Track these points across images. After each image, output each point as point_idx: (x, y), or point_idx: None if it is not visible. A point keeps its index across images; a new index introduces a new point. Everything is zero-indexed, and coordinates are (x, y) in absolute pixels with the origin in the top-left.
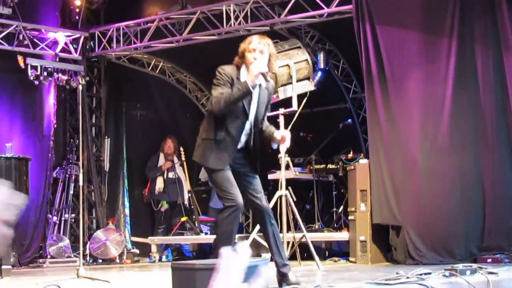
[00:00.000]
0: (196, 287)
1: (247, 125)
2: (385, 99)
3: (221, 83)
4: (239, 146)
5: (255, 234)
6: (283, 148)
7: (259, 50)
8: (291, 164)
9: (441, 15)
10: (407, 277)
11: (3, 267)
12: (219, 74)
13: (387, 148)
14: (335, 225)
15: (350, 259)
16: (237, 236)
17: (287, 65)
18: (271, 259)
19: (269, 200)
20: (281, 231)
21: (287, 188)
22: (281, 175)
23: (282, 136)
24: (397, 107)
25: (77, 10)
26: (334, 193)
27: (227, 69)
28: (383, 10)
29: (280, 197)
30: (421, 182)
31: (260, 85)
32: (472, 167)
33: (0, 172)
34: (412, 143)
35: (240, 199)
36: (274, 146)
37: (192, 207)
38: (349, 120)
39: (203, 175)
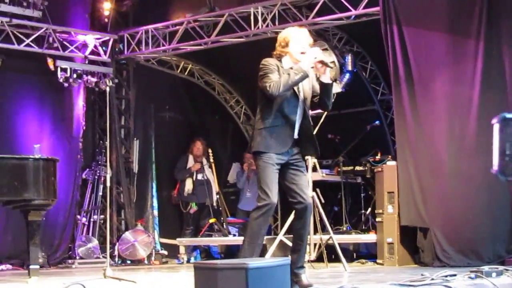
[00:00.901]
0: (218, 287)
1: (299, 108)
2: (412, 101)
3: (270, 71)
4: (295, 134)
5: (282, 236)
6: (327, 76)
7: (305, 41)
8: (318, 166)
9: (468, 16)
10: (432, 279)
11: (31, 267)
12: (265, 65)
13: (414, 150)
14: (363, 227)
15: (378, 261)
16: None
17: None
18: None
19: None
20: (308, 233)
21: (314, 190)
22: (308, 177)
23: (315, 63)
24: (424, 109)
25: (106, 13)
26: (362, 195)
27: (270, 61)
28: (410, 12)
29: None
30: (448, 184)
31: (291, 68)
32: None
33: (28, 173)
34: (439, 145)
35: (275, 199)
36: (326, 79)
37: (221, 208)
38: (377, 122)
39: (231, 177)
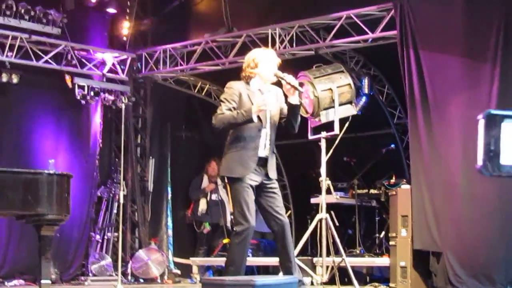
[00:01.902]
0: None
1: (263, 131)
2: (427, 124)
3: (228, 99)
4: (263, 154)
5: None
6: (296, 98)
7: (274, 62)
8: (332, 188)
9: (484, 40)
10: None
11: (42, 281)
12: (227, 90)
13: (429, 173)
14: (376, 251)
15: (391, 285)
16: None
17: (330, 88)
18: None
19: (309, 223)
20: (320, 255)
21: (328, 212)
22: (322, 198)
23: (284, 86)
24: (439, 132)
25: (125, 31)
26: (376, 218)
27: (234, 85)
28: (426, 35)
29: (320, 220)
30: (462, 208)
31: (259, 90)
32: None
33: (41, 188)
34: (453, 168)
35: (253, 222)
36: (294, 101)
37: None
38: (392, 145)
39: None
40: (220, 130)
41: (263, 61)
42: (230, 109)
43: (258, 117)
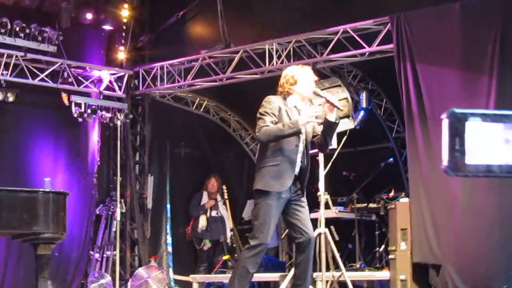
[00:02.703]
0: None
1: (301, 146)
2: (426, 137)
3: (269, 111)
4: (296, 171)
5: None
6: (334, 115)
7: (313, 80)
8: (330, 203)
9: (481, 53)
10: None
11: None
12: (267, 104)
13: (428, 186)
14: (377, 264)
15: None
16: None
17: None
18: None
19: None
20: (320, 270)
21: (328, 227)
22: (320, 213)
23: (324, 103)
24: (437, 145)
25: (122, 48)
26: (376, 232)
27: (273, 99)
28: (423, 49)
29: (319, 234)
30: (462, 220)
31: (295, 106)
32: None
33: (38, 206)
34: (452, 181)
35: (268, 240)
36: (332, 118)
37: (235, 245)
38: (391, 159)
39: (246, 214)
40: (266, 142)
41: (303, 78)
42: (272, 122)
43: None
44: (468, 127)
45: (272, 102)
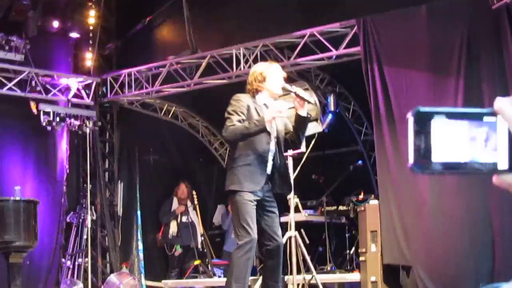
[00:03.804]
0: None
1: (272, 145)
2: (394, 140)
3: (236, 111)
4: (268, 171)
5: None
6: (305, 110)
7: (282, 76)
8: (300, 206)
9: (448, 55)
10: None
11: None
12: (235, 102)
13: (396, 188)
14: (348, 267)
15: None
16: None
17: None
18: None
19: None
20: (291, 273)
21: (298, 230)
22: (290, 216)
23: (295, 99)
24: (406, 148)
25: (89, 56)
26: (346, 235)
27: (242, 97)
28: (390, 52)
29: (290, 238)
30: (431, 222)
31: (265, 104)
32: (480, 207)
33: (8, 215)
34: (421, 183)
35: (255, 235)
36: (303, 113)
37: (205, 250)
38: (360, 162)
39: (216, 219)
40: (233, 141)
41: (271, 74)
42: (239, 121)
43: (267, 132)
44: (433, 125)
45: (240, 101)
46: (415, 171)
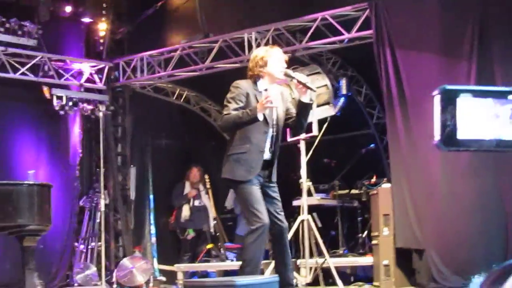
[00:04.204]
0: None
1: (270, 132)
2: (406, 123)
3: (235, 98)
4: (266, 157)
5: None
6: (308, 96)
7: (284, 60)
8: (313, 190)
9: (460, 38)
10: None
11: None
12: (234, 89)
13: (408, 172)
14: (360, 250)
15: (374, 283)
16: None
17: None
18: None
19: (291, 225)
20: (303, 256)
21: (310, 214)
22: (303, 200)
23: (296, 85)
24: (418, 130)
25: (101, 40)
26: (359, 218)
27: (241, 84)
28: (402, 34)
29: (302, 222)
30: (443, 205)
31: (266, 89)
32: (492, 189)
33: (22, 199)
34: (433, 166)
35: (267, 219)
36: (305, 99)
37: (218, 234)
38: (372, 145)
39: (229, 203)
40: (226, 131)
41: (272, 59)
42: (237, 109)
43: (265, 118)
44: (459, 103)
45: (239, 88)
46: (441, 148)
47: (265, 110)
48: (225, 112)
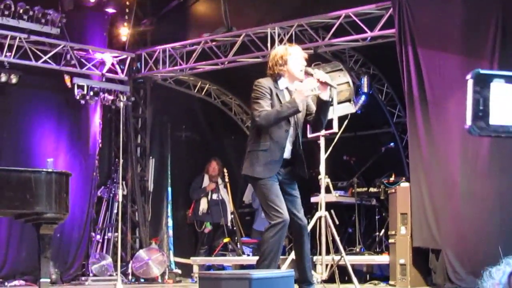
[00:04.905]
0: None
1: (291, 131)
2: (426, 122)
3: (262, 95)
4: (286, 156)
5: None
6: (327, 93)
7: (304, 59)
8: (331, 187)
9: (482, 37)
10: None
11: (41, 280)
12: (258, 88)
13: (428, 171)
14: (377, 249)
15: (390, 282)
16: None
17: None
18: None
19: (308, 221)
20: (320, 253)
21: (328, 211)
22: (321, 196)
23: (318, 80)
24: (438, 130)
25: (124, 31)
26: (376, 216)
27: (264, 82)
28: (425, 33)
29: (320, 218)
30: (461, 205)
31: (287, 88)
32: (511, 190)
33: (40, 186)
34: (452, 166)
35: (287, 215)
36: (325, 97)
37: (235, 228)
38: (392, 144)
39: (247, 197)
40: (269, 127)
41: (292, 57)
42: (268, 106)
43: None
44: (492, 88)
45: (263, 86)
46: (472, 133)
47: (306, 99)
48: (260, 109)
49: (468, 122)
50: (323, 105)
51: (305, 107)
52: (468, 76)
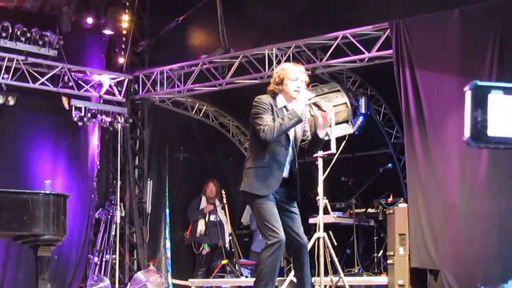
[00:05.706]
0: None
1: (290, 149)
2: (424, 143)
3: (264, 111)
4: (284, 174)
5: (292, 277)
6: (328, 130)
7: (301, 79)
8: (329, 208)
9: (480, 59)
10: None
11: None
12: (259, 104)
13: (426, 192)
14: (375, 269)
15: None
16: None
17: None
18: None
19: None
20: (318, 274)
21: (326, 232)
22: (319, 217)
23: (323, 116)
24: (436, 151)
25: (122, 53)
26: (375, 238)
27: (264, 98)
28: (422, 54)
29: (318, 239)
30: (459, 226)
31: (285, 106)
32: (510, 211)
33: (38, 208)
34: (450, 186)
35: (283, 235)
36: (321, 134)
37: (233, 250)
38: (390, 165)
39: (245, 219)
40: (274, 140)
41: (288, 78)
42: (270, 120)
43: (287, 134)
44: (490, 100)
45: (264, 102)
46: (471, 145)
47: (297, 128)
48: (263, 123)
49: (467, 133)
50: (318, 141)
51: (303, 128)
52: (466, 88)
